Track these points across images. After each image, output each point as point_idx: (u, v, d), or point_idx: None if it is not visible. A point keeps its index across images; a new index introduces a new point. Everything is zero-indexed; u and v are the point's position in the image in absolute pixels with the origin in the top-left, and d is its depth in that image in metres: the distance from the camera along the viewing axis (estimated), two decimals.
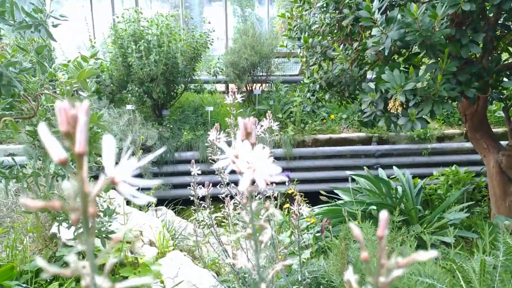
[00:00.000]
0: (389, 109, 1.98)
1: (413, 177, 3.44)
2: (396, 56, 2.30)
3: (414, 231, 2.58)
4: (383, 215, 0.29)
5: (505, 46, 2.51)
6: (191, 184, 1.36)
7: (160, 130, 4.56)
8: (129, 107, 4.49)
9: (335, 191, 3.27)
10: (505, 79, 2.42)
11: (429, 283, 1.76)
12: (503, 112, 3.17)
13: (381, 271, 0.28)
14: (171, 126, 4.66)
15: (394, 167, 3.45)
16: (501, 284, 1.61)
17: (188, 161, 4.74)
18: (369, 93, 2.26)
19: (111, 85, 4.71)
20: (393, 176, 3.44)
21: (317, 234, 2.59)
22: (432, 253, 0.28)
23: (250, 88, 5.19)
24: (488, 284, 1.64)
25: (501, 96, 3.03)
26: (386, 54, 1.94)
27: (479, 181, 3.62)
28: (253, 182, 0.35)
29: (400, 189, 3.14)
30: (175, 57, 4.26)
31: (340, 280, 1.90)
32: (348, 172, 3.61)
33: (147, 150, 4.33)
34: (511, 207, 2.91)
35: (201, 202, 1.64)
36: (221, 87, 5.68)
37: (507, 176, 2.90)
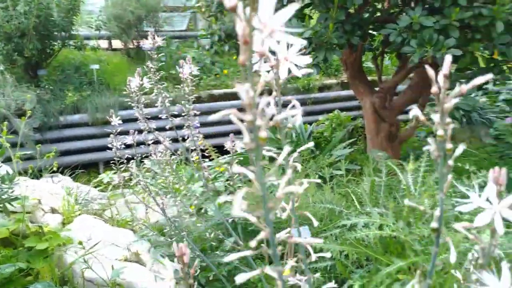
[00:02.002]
0: None
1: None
2: None
3: (309, 168, 2.89)
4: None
5: (373, 2, 2.83)
6: (112, 139, 1.31)
7: (38, 92, 4.08)
8: None
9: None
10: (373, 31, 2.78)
11: (330, 207, 2.04)
12: (373, 61, 3.63)
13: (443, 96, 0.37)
14: (51, 87, 4.20)
15: None
16: (385, 198, 1.95)
17: (76, 125, 4.39)
18: None
19: None
20: None
21: (228, 181, 2.72)
22: None
23: (138, 44, 4.92)
24: (376, 200, 1.97)
25: (371, 47, 3.47)
26: (284, 4, 2.05)
27: (356, 123, 4.15)
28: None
29: (294, 134, 3.44)
30: (49, 8, 3.78)
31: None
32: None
33: (25, 115, 3.87)
34: (382, 141, 3.41)
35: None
36: (104, 44, 5.24)
37: (379, 115, 3.38)
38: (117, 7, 4.45)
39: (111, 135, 1.32)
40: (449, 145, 0.38)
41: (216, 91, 4.83)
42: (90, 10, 4.88)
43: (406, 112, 4.35)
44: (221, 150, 3.35)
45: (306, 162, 2.85)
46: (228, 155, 3.24)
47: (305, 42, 0.33)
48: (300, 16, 2.29)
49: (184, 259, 0.46)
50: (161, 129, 1.48)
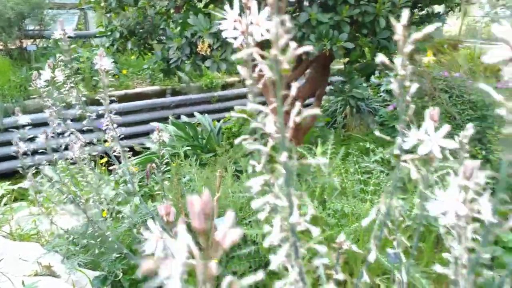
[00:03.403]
0: (199, 51, 2.15)
1: None
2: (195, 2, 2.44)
3: (221, 163, 2.95)
4: None
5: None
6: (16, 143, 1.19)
7: None
8: None
9: (145, 142, 3.33)
10: None
11: (249, 196, 2.12)
12: None
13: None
14: None
15: (195, 113, 3.73)
16: (299, 183, 2.10)
17: None
18: (175, 39, 2.36)
19: None
20: (193, 122, 3.74)
21: (140, 183, 2.63)
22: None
23: (20, 44, 4.43)
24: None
25: None
26: None
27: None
28: None
29: (203, 131, 3.46)
30: None
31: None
32: (154, 124, 3.71)
33: None
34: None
35: None
36: None
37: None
38: None
39: (15, 140, 1.21)
40: (407, 83, 0.46)
41: (116, 92, 4.60)
42: None
43: (306, 106, 4.66)
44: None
45: (219, 156, 2.90)
46: (139, 156, 3.13)
47: None
48: (206, 13, 2.32)
49: (170, 217, 0.47)
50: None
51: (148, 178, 2.31)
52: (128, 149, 2.80)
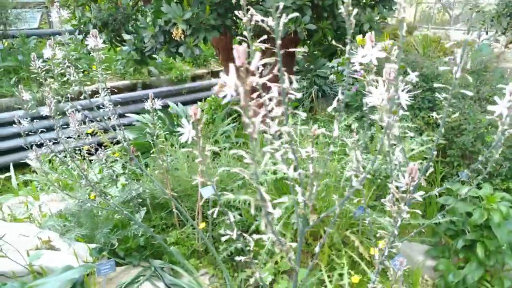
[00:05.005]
0: (174, 37, 2.30)
1: None
2: None
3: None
4: None
5: None
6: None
7: None
8: None
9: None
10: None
11: (228, 169, 2.31)
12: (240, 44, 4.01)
13: None
14: None
15: (170, 103, 3.87)
16: None
17: None
18: (149, 27, 2.50)
19: None
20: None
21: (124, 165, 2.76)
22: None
23: None
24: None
25: (236, 32, 3.83)
26: None
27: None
28: None
29: (178, 119, 3.61)
30: None
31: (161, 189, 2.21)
32: (130, 115, 3.84)
33: None
34: None
35: None
36: None
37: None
38: None
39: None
40: None
41: (87, 88, 4.65)
42: None
43: None
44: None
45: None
46: (120, 144, 3.24)
47: None
48: (178, 1, 2.47)
49: (197, 115, 0.65)
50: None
51: (132, 160, 2.45)
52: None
